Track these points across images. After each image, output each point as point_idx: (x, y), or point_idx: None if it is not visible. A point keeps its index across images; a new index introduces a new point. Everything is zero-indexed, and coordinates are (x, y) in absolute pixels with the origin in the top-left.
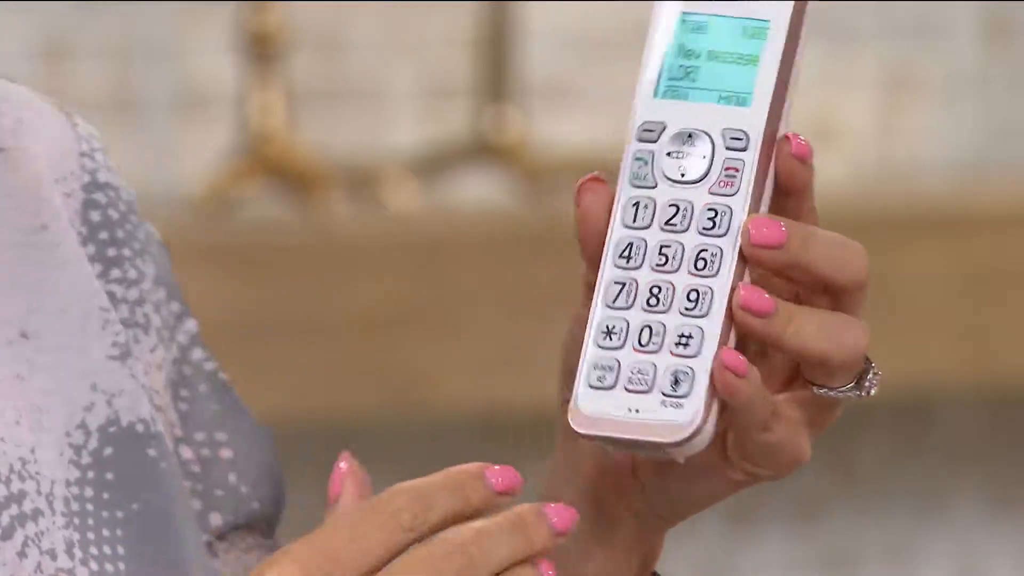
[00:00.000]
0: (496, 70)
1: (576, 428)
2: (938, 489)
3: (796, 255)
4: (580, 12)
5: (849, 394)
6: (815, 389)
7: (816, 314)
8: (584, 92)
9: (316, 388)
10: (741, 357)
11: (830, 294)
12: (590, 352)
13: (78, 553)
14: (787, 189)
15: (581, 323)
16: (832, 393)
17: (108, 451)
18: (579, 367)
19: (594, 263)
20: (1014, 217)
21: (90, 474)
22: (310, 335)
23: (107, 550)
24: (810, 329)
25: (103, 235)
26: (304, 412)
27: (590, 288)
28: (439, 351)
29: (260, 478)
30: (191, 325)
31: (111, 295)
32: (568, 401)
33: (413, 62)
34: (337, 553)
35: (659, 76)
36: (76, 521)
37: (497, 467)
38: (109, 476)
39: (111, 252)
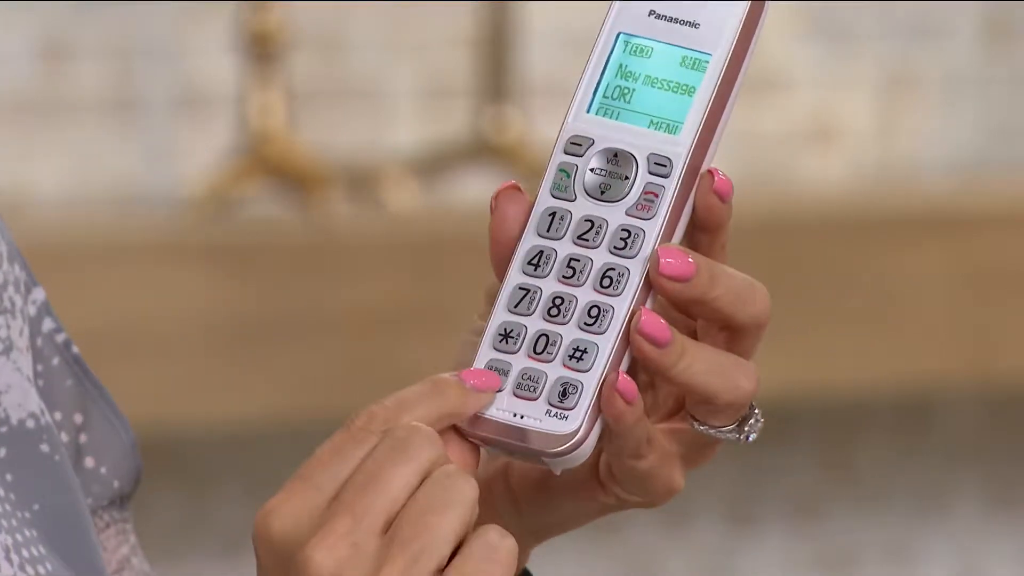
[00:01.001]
0: (496, 70)
1: (462, 426)
2: (938, 489)
3: (702, 291)
4: (580, 12)
5: (728, 436)
6: (695, 426)
7: (710, 352)
8: None
9: (316, 388)
10: (632, 383)
11: (729, 332)
12: (484, 353)
13: (15, 558)
14: (703, 224)
15: (478, 333)
16: (711, 432)
17: (2, 452)
18: (473, 366)
19: (501, 269)
20: (1014, 217)
21: None
22: (310, 335)
23: (34, 551)
24: (701, 366)
25: None
26: (304, 412)
27: (491, 299)
28: (439, 351)
29: (120, 457)
30: (39, 293)
31: None
32: None
33: (413, 62)
34: (310, 479)
35: (595, 92)
36: (4, 523)
37: (473, 369)
38: (9, 478)
39: None
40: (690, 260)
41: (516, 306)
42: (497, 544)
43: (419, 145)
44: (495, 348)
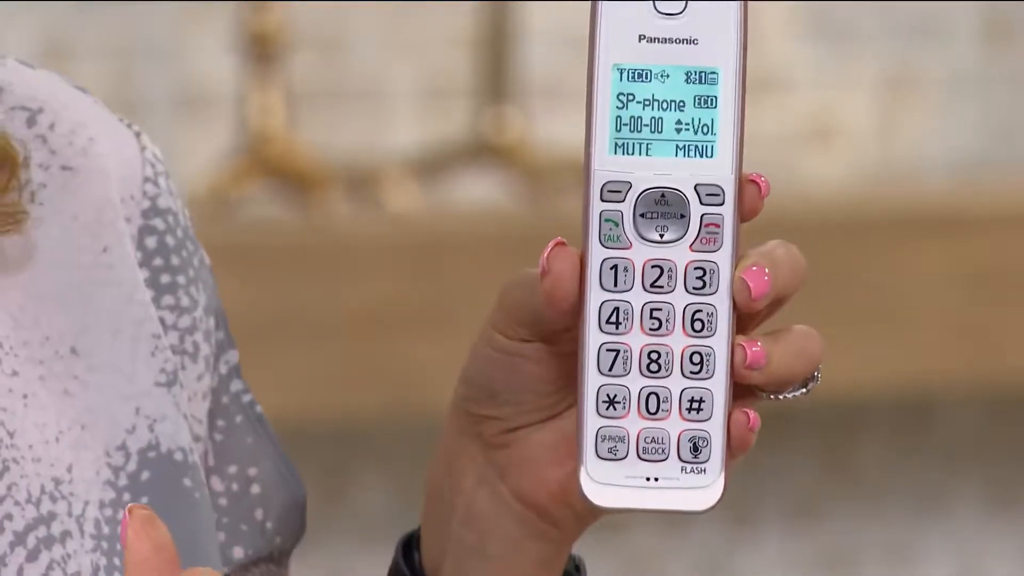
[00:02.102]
0: (496, 70)
1: (597, 502)
2: (937, 489)
3: (777, 290)
4: (580, 12)
5: (796, 394)
6: (766, 396)
7: (784, 341)
8: (584, 92)
9: (316, 388)
10: (757, 415)
11: (778, 303)
12: (592, 421)
13: None
14: (744, 220)
15: (491, 344)
16: (781, 397)
17: (145, 475)
18: (581, 436)
19: (561, 326)
20: (1014, 217)
21: (126, 496)
22: (310, 335)
23: None
24: (786, 360)
25: (158, 261)
26: (304, 412)
27: (511, 316)
28: (439, 351)
29: (286, 513)
30: (232, 356)
31: (161, 321)
32: (464, 409)
33: (413, 62)
34: None
35: (608, 130)
36: (104, 545)
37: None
38: (144, 501)
39: (165, 279)
40: (767, 272)
41: (611, 369)
42: None
43: (419, 145)
44: (602, 415)
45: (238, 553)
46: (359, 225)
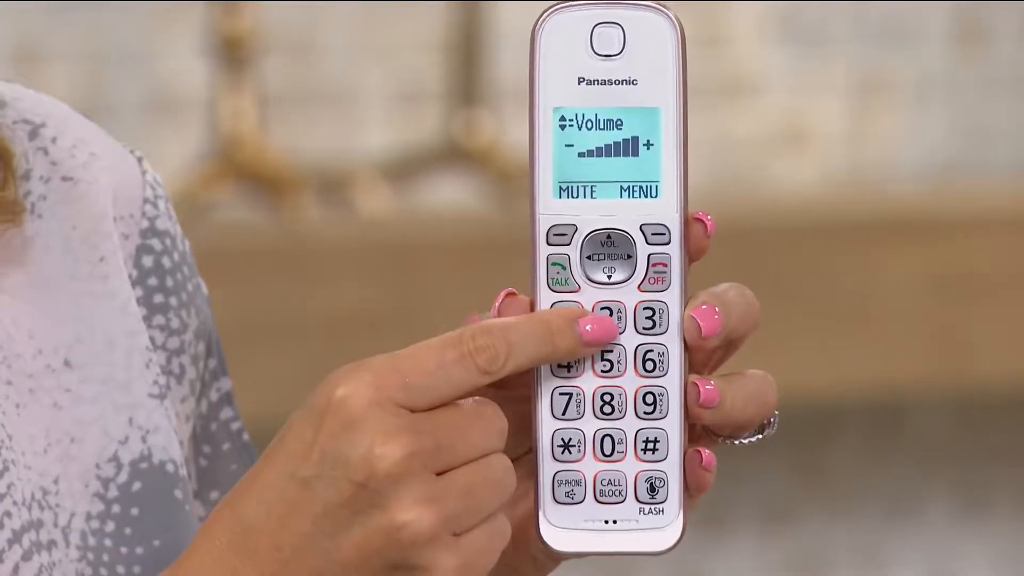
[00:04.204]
0: (467, 74)
1: (556, 547)
2: (909, 492)
3: (730, 330)
4: None
5: (753, 439)
6: (722, 441)
7: (739, 383)
8: None
9: (286, 392)
10: (712, 454)
11: (731, 345)
12: (548, 466)
13: None
14: (692, 260)
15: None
16: (736, 442)
17: (136, 486)
18: (537, 481)
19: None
20: (985, 221)
21: (115, 508)
22: (281, 339)
23: None
24: (740, 402)
25: (152, 281)
26: (274, 417)
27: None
28: None
29: None
30: (225, 383)
31: (151, 340)
32: None
33: (385, 66)
34: (409, 380)
35: (552, 174)
36: (91, 556)
37: (592, 315)
38: (134, 512)
39: (158, 299)
40: (716, 311)
41: (564, 413)
42: (503, 533)
43: (390, 149)
44: (557, 460)
45: None
46: (330, 228)
